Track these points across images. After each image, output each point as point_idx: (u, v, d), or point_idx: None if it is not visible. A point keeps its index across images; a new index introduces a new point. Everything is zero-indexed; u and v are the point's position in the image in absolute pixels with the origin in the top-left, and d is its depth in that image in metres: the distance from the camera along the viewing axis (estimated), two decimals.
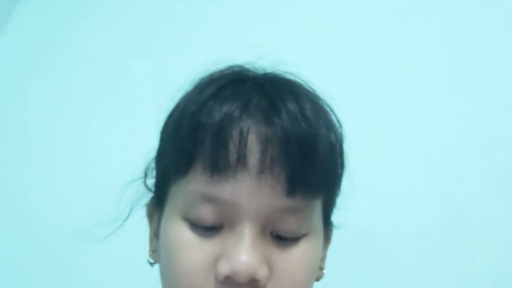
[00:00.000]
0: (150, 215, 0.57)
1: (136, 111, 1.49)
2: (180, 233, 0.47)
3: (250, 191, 0.44)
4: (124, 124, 1.47)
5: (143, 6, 1.70)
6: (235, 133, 0.44)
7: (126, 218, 0.60)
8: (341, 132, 0.54)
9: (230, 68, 0.54)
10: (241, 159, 0.44)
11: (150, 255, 0.55)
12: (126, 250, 1.09)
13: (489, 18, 1.34)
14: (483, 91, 1.28)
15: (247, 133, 0.44)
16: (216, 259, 0.45)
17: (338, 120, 0.54)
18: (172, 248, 0.47)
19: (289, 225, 0.46)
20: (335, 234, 1.18)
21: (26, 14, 1.82)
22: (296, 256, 0.46)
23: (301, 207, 0.46)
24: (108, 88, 1.57)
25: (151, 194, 0.58)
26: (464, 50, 1.33)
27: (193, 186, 0.46)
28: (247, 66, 0.55)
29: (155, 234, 0.54)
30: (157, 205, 0.54)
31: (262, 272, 0.44)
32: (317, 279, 0.54)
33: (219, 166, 0.44)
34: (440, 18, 1.40)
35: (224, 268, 0.44)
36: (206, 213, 0.46)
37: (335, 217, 0.58)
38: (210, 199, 0.46)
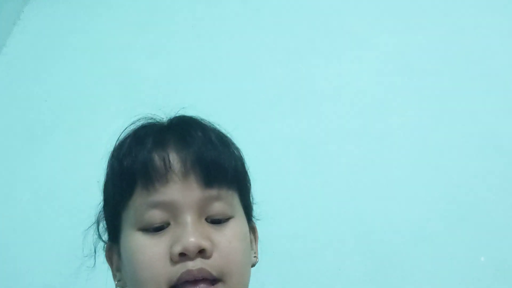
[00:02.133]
0: (110, 257, 0.68)
1: (143, 112, 1.50)
2: (136, 240, 0.59)
3: (181, 189, 0.58)
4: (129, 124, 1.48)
5: (149, 7, 1.71)
6: (158, 154, 0.59)
7: (95, 253, 0.71)
8: (241, 153, 0.68)
9: (144, 120, 0.67)
10: (168, 169, 0.58)
11: (117, 285, 0.66)
12: None
13: (494, 20, 1.34)
14: (488, 91, 1.28)
15: (167, 152, 0.59)
16: (170, 247, 0.56)
17: (237, 147, 0.68)
18: (133, 254, 0.58)
19: (217, 209, 0.60)
20: (342, 236, 1.19)
21: (34, 16, 1.84)
22: (229, 231, 0.60)
23: (221, 195, 0.60)
24: (115, 88, 1.58)
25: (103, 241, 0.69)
26: (470, 51, 1.34)
27: (139, 201, 0.59)
28: (158, 117, 0.68)
29: (117, 269, 0.66)
30: (113, 241, 0.65)
31: (206, 243, 0.56)
32: (253, 265, 0.67)
33: (153, 179, 0.58)
34: (446, 20, 1.40)
35: (176, 248, 0.55)
36: (154, 216, 0.58)
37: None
38: (153, 205, 0.58)
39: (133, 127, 0.66)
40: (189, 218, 0.58)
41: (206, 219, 0.59)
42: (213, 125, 0.67)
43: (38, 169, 1.50)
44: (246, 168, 0.69)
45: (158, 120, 0.67)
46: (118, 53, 1.65)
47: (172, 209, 0.58)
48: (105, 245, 0.69)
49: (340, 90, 1.42)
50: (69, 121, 1.57)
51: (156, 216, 0.58)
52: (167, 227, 0.58)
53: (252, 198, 0.70)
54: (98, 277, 0.77)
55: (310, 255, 1.19)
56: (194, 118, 0.67)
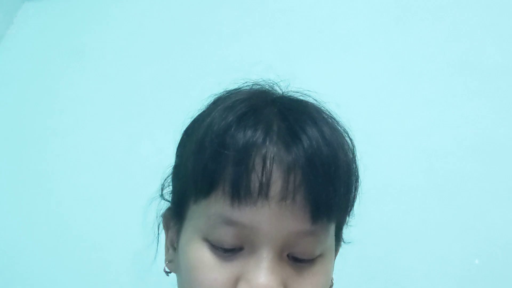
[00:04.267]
0: (167, 225, 0.58)
1: (141, 115, 1.49)
2: (200, 253, 0.49)
3: (271, 217, 0.46)
4: (128, 128, 1.47)
5: (148, 10, 1.71)
6: (257, 161, 0.46)
7: (159, 235, 0.62)
8: (354, 151, 0.54)
9: (249, 88, 0.55)
10: (263, 188, 0.45)
11: (166, 265, 0.57)
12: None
13: (489, 22, 1.35)
14: (483, 95, 1.29)
15: (270, 161, 0.45)
16: (235, 281, 0.47)
17: (351, 139, 0.55)
18: (193, 267, 0.49)
19: (306, 247, 0.48)
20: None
21: (28, 18, 1.83)
22: (311, 278, 0.48)
23: (318, 231, 0.47)
24: (113, 89, 1.58)
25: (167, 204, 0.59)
26: (464, 54, 1.34)
27: (215, 209, 0.48)
28: (264, 84, 0.55)
29: (172, 245, 0.56)
30: (175, 219, 0.55)
31: None
32: None
33: (240, 194, 0.46)
34: (441, 22, 1.41)
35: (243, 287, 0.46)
36: (227, 236, 0.47)
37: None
38: (231, 223, 0.47)
39: (240, 103, 0.50)
40: (267, 253, 0.46)
41: (288, 255, 0.48)
42: (329, 114, 0.52)
43: (30, 174, 1.49)
44: (355, 174, 0.53)
45: (270, 100, 0.51)
46: (113, 55, 1.65)
47: (251, 234, 0.47)
48: (165, 211, 0.59)
49: (336, 93, 1.42)
50: (63, 125, 1.57)
51: (230, 236, 0.47)
52: (239, 251, 0.48)
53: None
54: None
55: None
56: (306, 103, 0.52)
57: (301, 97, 0.55)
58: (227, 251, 0.48)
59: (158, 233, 0.62)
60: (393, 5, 1.46)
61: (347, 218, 0.55)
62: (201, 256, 0.48)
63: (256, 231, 0.46)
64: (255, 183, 0.45)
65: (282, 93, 0.55)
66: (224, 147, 0.47)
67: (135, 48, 1.65)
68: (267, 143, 0.46)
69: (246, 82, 0.56)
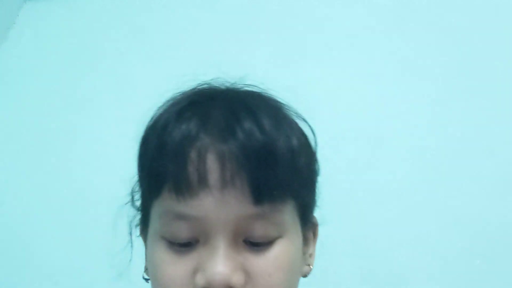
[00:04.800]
0: (143, 233, 0.59)
1: (139, 115, 1.50)
2: (159, 251, 0.50)
3: (215, 205, 0.47)
4: (126, 128, 1.48)
5: (149, 10, 1.71)
6: (193, 154, 0.47)
7: (131, 241, 0.62)
8: (308, 139, 0.56)
9: (194, 88, 0.56)
10: (202, 178, 0.46)
11: (144, 271, 0.57)
12: None
13: (489, 22, 1.35)
14: (483, 94, 1.29)
15: (205, 153, 0.47)
16: (194, 273, 0.48)
17: (310, 127, 0.57)
18: (154, 265, 0.51)
19: (259, 230, 0.48)
20: (335, 238, 1.19)
21: (30, 19, 1.83)
22: (270, 259, 0.48)
23: (267, 213, 0.48)
24: (110, 91, 1.58)
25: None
26: (466, 54, 1.34)
27: (165, 206, 0.49)
28: (212, 83, 0.56)
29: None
30: (144, 225, 0.56)
31: (236, 279, 0.46)
32: (305, 276, 0.57)
33: (182, 187, 0.47)
34: (441, 23, 1.41)
35: (201, 281, 0.47)
36: (180, 230, 0.48)
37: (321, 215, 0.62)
38: (180, 217, 0.48)
39: (182, 100, 0.52)
40: (220, 241, 0.47)
41: (244, 240, 0.49)
42: (273, 100, 0.54)
43: (35, 175, 1.50)
44: (313, 154, 0.56)
45: (207, 94, 0.53)
46: (116, 55, 1.65)
47: (202, 225, 0.48)
48: (139, 219, 0.59)
49: (336, 94, 1.42)
50: (66, 126, 1.57)
51: (183, 230, 0.48)
52: (195, 244, 0.49)
53: (317, 190, 0.59)
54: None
55: None
56: (247, 95, 0.53)
57: (247, 89, 0.56)
58: (183, 246, 0.49)
59: (131, 241, 0.62)
60: (394, 5, 1.46)
61: (307, 200, 0.56)
62: (159, 254, 0.50)
63: (206, 221, 0.47)
64: (193, 175, 0.46)
65: (227, 87, 0.56)
66: (162, 145, 0.48)
67: (137, 48, 1.65)
68: (202, 135, 0.47)
69: (198, 83, 0.57)
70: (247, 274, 0.48)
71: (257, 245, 0.49)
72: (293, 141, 0.51)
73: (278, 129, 0.49)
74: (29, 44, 1.79)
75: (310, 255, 0.59)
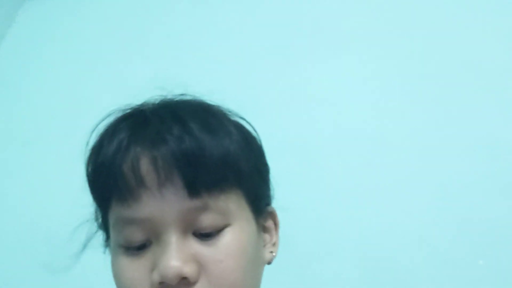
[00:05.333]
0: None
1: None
2: (118, 259, 0.53)
3: (157, 204, 0.51)
4: None
5: (149, 10, 1.71)
6: (128, 163, 0.51)
7: (80, 253, 0.65)
8: (247, 136, 0.60)
9: (128, 107, 0.60)
10: (139, 181, 0.51)
11: None
12: None
13: (490, 22, 1.35)
14: (484, 94, 1.28)
15: (139, 159, 0.51)
16: (151, 271, 0.51)
17: (249, 124, 0.61)
18: (116, 273, 0.54)
19: (205, 221, 0.51)
20: (339, 240, 1.19)
21: (29, 18, 1.83)
22: (220, 246, 0.51)
23: (209, 203, 0.52)
24: (112, 89, 1.58)
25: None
26: (466, 54, 1.34)
27: (115, 215, 0.53)
28: (146, 101, 0.60)
29: None
30: (107, 243, 0.60)
31: (187, 269, 0.49)
32: (269, 263, 0.61)
33: (125, 194, 0.51)
34: (442, 22, 1.41)
35: (155, 277, 0.49)
36: (132, 235, 0.52)
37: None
38: (129, 221, 0.52)
39: (115, 115, 0.58)
40: (170, 237, 0.50)
41: (194, 233, 0.52)
42: (203, 106, 0.59)
43: (30, 171, 1.49)
44: (256, 149, 0.61)
45: (138, 110, 0.57)
46: (114, 55, 1.65)
47: (151, 226, 0.51)
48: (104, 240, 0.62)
49: (336, 93, 1.42)
50: (64, 125, 1.57)
51: (135, 233, 0.52)
52: (149, 245, 0.52)
53: (269, 183, 0.63)
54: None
55: (307, 259, 1.19)
56: (176, 105, 0.58)
57: (179, 99, 0.61)
58: (138, 249, 0.52)
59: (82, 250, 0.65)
60: (393, 6, 1.46)
61: (255, 190, 0.58)
62: (118, 261, 0.53)
63: (152, 220, 0.51)
64: (131, 180, 0.51)
65: (157, 100, 0.60)
66: (100, 163, 0.53)
67: (137, 48, 1.65)
68: (133, 145, 0.52)
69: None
70: (200, 264, 0.50)
71: (207, 235, 0.52)
72: (225, 141, 0.54)
73: (207, 132, 0.53)
74: (28, 43, 1.79)
75: (274, 244, 0.62)
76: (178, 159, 0.51)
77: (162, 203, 0.51)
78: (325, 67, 1.45)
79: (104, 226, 0.59)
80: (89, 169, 0.56)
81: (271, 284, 1.13)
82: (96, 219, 0.62)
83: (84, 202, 0.60)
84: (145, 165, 0.51)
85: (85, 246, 0.64)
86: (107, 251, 0.62)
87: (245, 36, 1.56)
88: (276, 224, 0.65)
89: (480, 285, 1.11)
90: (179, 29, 1.65)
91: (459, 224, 1.17)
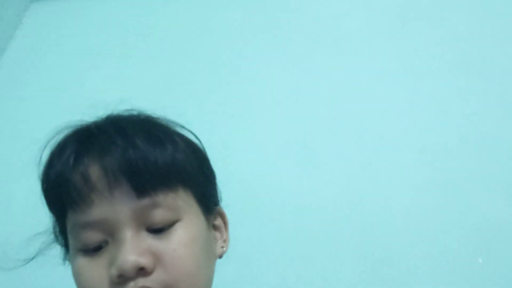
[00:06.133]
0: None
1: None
2: (77, 262, 0.56)
3: (109, 205, 0.55)
4: None
5: (155, 11, 1.72)
6: (79, 172, 0.56)
7: (30, 260, 0.70)
8: (190, 143, 0.64)
9: (75, 124, 0.64)
10: (91, 186, 0.55)
11: None
12: None
13: (490, 22, 1.35)
14: (484, 94, 1.29)
15: (88, 168, 0.55)
16: (108, 268, 0.54)
17: (192, 133, 0.66)
18: (75, 276, 0.56)
19: (156, 217, 0.55)
20: (339, 237, 1.20)
21: (36, 19, 1.85)
22: (173, 237, 0.56)
23: (157, 201, 0.56)
24: (115, 91, 1.59)
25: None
26: (467, 54, 1.35)
27: (71, 222, 0.57)
28: (90, 120, 0.64)
29: None
30: (66, 252, 0.63)
31: (143, 260, 0.53)
32: (220, 256, 0.65)
33: (77, 200, 0.55)
34: (443, 23, 1.41)
35: (114, 271, 0.52)
36: (89, 237, 0.55)
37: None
38: (85, 225, 0.55)
39: (62, 134, 0.62)
40: (124, 234, 0.54)
41: (147, 230, 0.55)
42: (148, 120, 0.64)
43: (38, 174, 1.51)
44: (201, 156, 0.65)
45: (84, 126, 0.62)
46: (120, 56, 1.66)
47: (106, 227, 0.55)
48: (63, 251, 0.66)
49: (339, 92, 1.43)
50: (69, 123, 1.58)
51: (91, 236, 0.55)
52: (106, 246, 0.55)
53: (215, 185, 0.67)
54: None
55: (308, 256, 1.20)
56: (121, 120, 0.62)
57: (125, 114, 0.65)
58: (96, 250, 0.55)
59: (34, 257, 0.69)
60: (395, 6, 1.46)
61: (202, 190, 0.63)
62: (77, 263, 0.56)
63: (107, 221, 0.54)
64: (83, 186, 0.55)
65: (105, 117, 0.64)
66: (51, 176, 0.57)
67: (142, 49, 1.67)
68: (82, 157, 0.56)
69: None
70: (155, 256, 0.54)
71: (159, 230, 0.56)
72: (168, 148, 0.59)
73: (150, 141, 0.58)
74: (36, 44, 1.80)
75: (224, 240, 0.67)
76: (123, 166, 0.55)
77: (113, 204, 0.55)
78: (325, 67, 1.46)
79: (63, 237, 0.62)
80: (44, 184, 0.60)
81: (271, 283, 1.15)
82: (54, 233, 0.65)
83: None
84: (94, 172, 0.55)
85: (38, 253, 0.68)
86: (67, 263, 0.65)
87: (246, 36, 1.57)
88: (225, 222, 0.69)
89: (479, 283, 1.12)
90: (186, 28, 1.66)
91: (458, 222, 1.18)
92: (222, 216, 0.69)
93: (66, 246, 0.63)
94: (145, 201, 0.55)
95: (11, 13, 1.84)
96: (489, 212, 1.17)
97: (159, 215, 0.55)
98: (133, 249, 0.53)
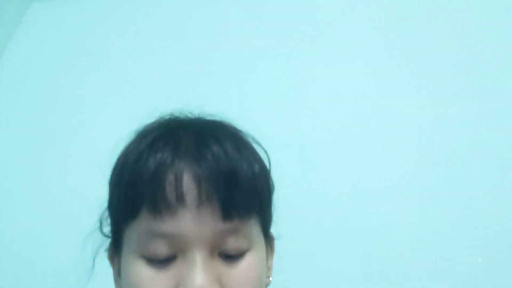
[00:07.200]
0: (112, 258, 0.63)
1: (143, 115, 1.50)
2: (139, 270, 0.53)
3: (192, 222, 0.52)
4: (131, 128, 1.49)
5: (156, 10, 1.72)
6: (170, 177, 0.52)
7: (92, 268, 0.68)
8: (264, 160, 0.62)
9: (162, 118, 0.61)
10: (180, 197, 0.51)
11: None
12: None
13: (489, 23, 1.35)
14: (484, 94, 1.29)
15: (181, 175, 0.52)
16: (175, 287, 0.52)
17: (263, 150, 0.64)
18: (134, 284, 0.54)
19: (232, 244, 0.53)
20: (340, 237, 1.20)
21: (36, 18, 1.85)
22: (242, 270, 0.54)
23: (238, 227, 0.53)
24: (118, 91, 1.59)
25: (109, 240, 0.64)
26: (465, 54, 1.35)
27: (143, 226, 0.53)
28: (176, 114, 0.62)
29: (118, 275, 0.61)
30: (115, 249, 0.60)
31: None
32: (266, 286, 0.62)
33: (161, 207, 0.51)
34: (444, 23, 1.41)
35: None
36: (159, 248, 0.53)
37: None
38: (159, 235, 0.52)
39: (148, 126, 0.59)
40: (198, 256, 0.51)
41: (219, 254, 0.53)
42: (235, 130, 0.61)
43: (41, 173, 1.51)
44: (270, 177, 0.63)
45: (177, 123, 0.59)
46: (120, 55, 1.66)
47: (180, 242, 0.52)
48: (109, 245, 0.64)
49: (339, 92, 1.43)
50: (71, 125, 1.58)
51: (162, 247, 0.52)
52: (173, 260, 0.53)
53: (273, 208, 0.65)
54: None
55: (308, 256, 1.20)
56: (212, 125, 0.59)
57: (210, 118, 0.63)
58: (163, 262, 0.53)
59: (93, 265, 0.68)
60: (394, 6, 1.46)
61: (267, 216, 0.61)
62: (139, 272, 0.53)
63: (183, 237, 0.52)
64: (171, 195, 0.51)
65: (192, 117, 0.62)
66: (139, 173, 0.53)
67: (143, 48, 1.67)
68: (176, 160, 0.53)
69: (161, 115, 0.63)
70: (222, 285, 0.52)
71: (231, 257, 0.54)
72: (254, 164, 0.57)
73: (239, 153, 0.55)
74: (35, 43, 1.80)
75: (269, 268, 0.64)
76: (217, 179, 0.52)
77: (197, 222, 0.52)
78: (329, 68, 1.46)
79: (115, 234, 0.60)
80: (123, 178, 0.56)
81: (274, 278, 1.14)
82: (100, 227, 0.64)
83: None
84: (188, 182, 0.52)
85: (94, 259, 0.67)
86: (108, 258, 0.64)
87: (246, 36, 1.57)
88: (272, 249, 0.67)
89: (479, 283, 1.12)
90: (183, 29, 1.66)
91: (458, 222, 1.18)
92: (272, 242, 0.66)
93: (117, 242, 0.60)
94: (228, 225, 0.53)
95: (11, 13, 1.83)
96: (488, 211, 1.17)
97: (235, 243, 0.54)
98: (205, 274, 0.51)
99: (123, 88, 1.59)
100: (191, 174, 0.52)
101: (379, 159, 1.29)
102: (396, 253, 1.18)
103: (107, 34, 1.72)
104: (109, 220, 0.62)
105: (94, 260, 0.67)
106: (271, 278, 0.64)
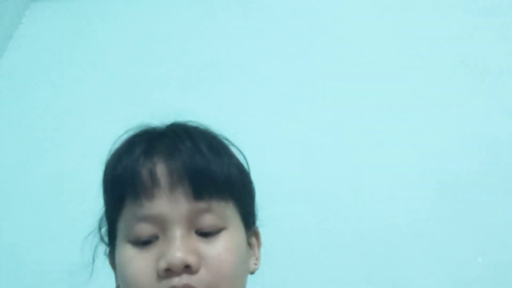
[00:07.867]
0: (112, 261, 0.68)
1: (145, 115, 1.51)
2: (125, 252, 0.60)
3: (168, 203, 0.58)
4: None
5: (155, 11, 1.73)
6: (147, 166, 0.59)
7: (92, 268, 0.73)
8: (240, 161, 0.68)
9: (139, 127, 0.67)
10: (154, 182, 0.58)
11: None
12: None
13: (490, 23, 1.35)
14: (484, 94, 1.29)
15: (156, 165, 0.59)
16: (156, 261, 0.57)
17: (240, 152, 0.70)
18: (122, 266, 0.60)
19: (207, 222, 0.59)
20: (340, 236, 1.20)
21: (36, 18, 1.85)
22: (219, 243, 0.59)
23: (211, 206, 0.60)
24: (116, 92, 1.60)
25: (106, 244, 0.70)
26: (465, 54, 1.35)
27: (128, 213, 0.60)
28: (154, 124, 0.68)
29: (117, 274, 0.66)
30: (113, 248, 0.65)
31: (191, 258, 0.56)
32: (252, 272, 0.67)
33: (140, 193, 0.59)
34: (443, 23, 1.41)
35: (162, 264, 0.56)
36: (142, 230, 0.59)
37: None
38: (141, 219, 0.59)
39: (129, 134, 0.66)
40: (177, 232, 0.57)
41: (196, 232, 0.59)
42: (208, 131, 0.67)
43: (39, 174, 1.51)
44: (247, 175, 0.69)
45: (152, 128, 0.66)
46: (119, 57, 1.66)
47: (160, 222, 0.58)
48: (108, 249, 0.69)
49: (340, 92, 1.43)
50: (71, 125, 1.58)
51: (144, 229, 0.58)
52: (155, 240, 0.58)
53: (255, 204, 0.70)
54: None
55: (309, 255, 1.20)
56: (187, 126, 0.66)
57: (188, 123, 0.68)
58: (146, 243, 0.59)
59: (93, 266, 0.73)
60: (395, 6, 1.47)
61: (245, 206, 0.66)
62: (126, 254, 0.59)
63: (162, 217, 0.58)
64: (148, 181, 0.58)
65: (170, 123, 0.68)
66: (119, 168, 0.61)
67: (142, 48, 1.67)
68: (151, 154, 0.60)
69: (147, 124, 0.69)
70: (201, 257, 0.57)
71: (207, 235, 0.59)
72: (226, 162, 0.63)
73: (211, 149, 0.62)
74: (35, 43, 1.80)
75: (257, 258, 0.70)
76: (188, 168, 0.59)
77: (172, 202, 0.58)
78: (328, 68, 1.46)
79: (110, 231, 0.65)
80: (109, 176, 0.63)
81: (272, 282, 1.15)
82: (99, 228, 0.69)
83: None
84: (161, 169, 0.59)
85: (93, 257, 0.72)
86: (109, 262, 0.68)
87: (246, 36, 1.58)
88: (259, 242, 0.72)
89: (479, 283, 1.13)
90: (182, 29, 1.66)
91: (458, 222, 1.18)
92: (257, 235, 0.72)
93: (111, 240, 0.66)
94: (201, 205, 0.59)
95: (11, 13, 1.84)
96: (488, 211, 1.18)
97: (209, 220, 0.59)
98: (182, 246, 0.56)
99: (123, 88, 1.60)
100: (165, 163, 0.59)
101: (378, 159, 1.29)
102: (395, 253, 1.18)
103: (107, 34, 1.72)
104: (105, 223, 0.68)
105: (94, 260, 0.72)
106: (257, 266, 0.69)
